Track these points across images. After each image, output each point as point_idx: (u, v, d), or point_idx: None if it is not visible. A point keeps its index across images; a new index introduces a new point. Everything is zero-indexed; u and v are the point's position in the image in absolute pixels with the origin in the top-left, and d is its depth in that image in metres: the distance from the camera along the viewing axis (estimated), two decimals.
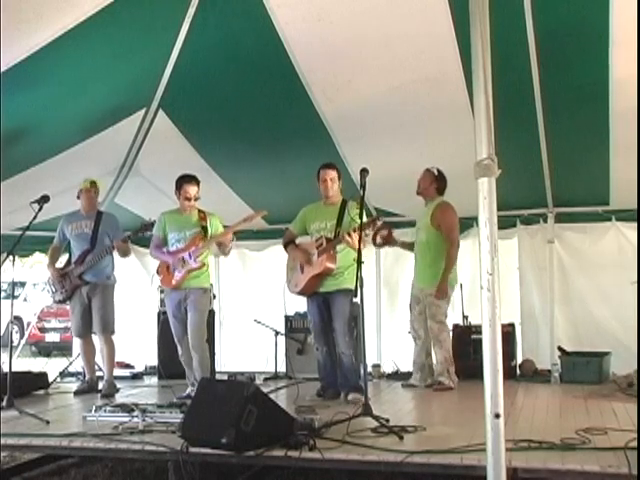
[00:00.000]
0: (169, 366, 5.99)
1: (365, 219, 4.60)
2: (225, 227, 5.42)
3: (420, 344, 5.83)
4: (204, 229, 5.29)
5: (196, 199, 5.30)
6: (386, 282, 7.27)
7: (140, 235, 5.75)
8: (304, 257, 5.15)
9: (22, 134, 5.09)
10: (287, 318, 6.77)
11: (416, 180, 5.82)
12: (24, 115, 4.89)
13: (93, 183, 5.77)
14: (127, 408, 4.18)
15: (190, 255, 5.17)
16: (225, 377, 6.02)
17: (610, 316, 6.43)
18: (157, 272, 5.44)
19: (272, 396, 4.46)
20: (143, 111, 5.54)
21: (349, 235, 4.72)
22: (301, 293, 5.29)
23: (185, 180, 5.29)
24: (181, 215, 5.37)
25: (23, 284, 14.02)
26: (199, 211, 5.37)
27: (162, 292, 6.70)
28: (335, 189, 5.15)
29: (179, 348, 5.38)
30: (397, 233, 7.18)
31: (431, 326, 5.67)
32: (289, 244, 5.38)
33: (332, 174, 5.13)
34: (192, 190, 5.27)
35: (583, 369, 5.92)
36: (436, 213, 5.67)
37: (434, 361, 5.83)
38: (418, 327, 5.82)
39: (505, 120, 4.01)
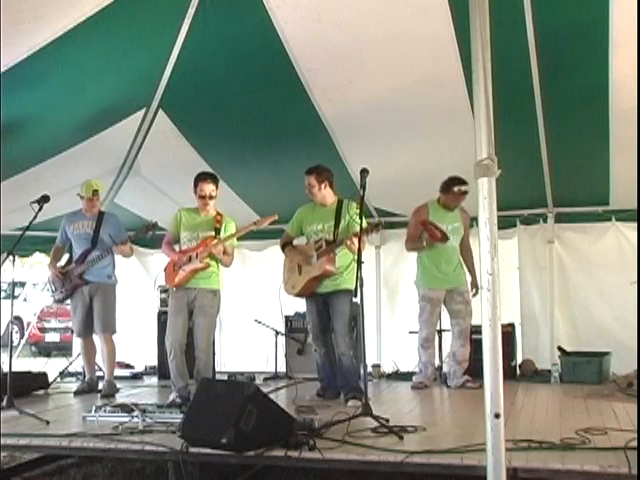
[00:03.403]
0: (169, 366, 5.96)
1: (365, 223, 4.60)
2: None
3: (434, 347, 5.93)
4: (217, 231, 5.11)
5: (211, 197, 5.10)
6: (386, 282, 7.27)
7: (142, 236, 5.74)
8: (302, 259, 5.13)
9: (22, 134, 5.08)
10: (287, 318, 6.75)
11: (416, 180, 5.84)
12: (24, 115, 4.90)
13: (95, 192, 5.72)
14: (127, 408, 4.17)
15: (197, 255, 5.01)
16: (225, 377, 6.02)
17: (610, 316, 6.44)
18: (164, 269, 5.29)
19: (272, 396, 4.46)
20: (143, 111, 5.54)
21: (351, 241, 4.66)
22: (298, 295, 5.24)
23: (200, 178, 5.11)
24: (198, 214, 5.19)
25: (23, 284, 14.03)
26: (217, 213, 5.20)
27: (162, 292, 6.72)
28: (320, 193, 5.08)
29: (170, 350, 5.02)
30: (397, 233, 7.23)
31: (470, 323, 5.70)
32: (286, 246, 5.36)
33: (309, 180, 5.06)
34: (207, 188, 5.08)
35: (583, 369, 5.92)
36: (462, 218, 5.80)
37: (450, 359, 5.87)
38: (435, 331, 5.91)
39: (505, 120, 4.00)
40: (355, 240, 4.60)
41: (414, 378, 5.88)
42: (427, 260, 5.80)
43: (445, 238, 5.63)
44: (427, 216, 5.74)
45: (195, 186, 5.13)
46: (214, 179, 5.16)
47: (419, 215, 5.79)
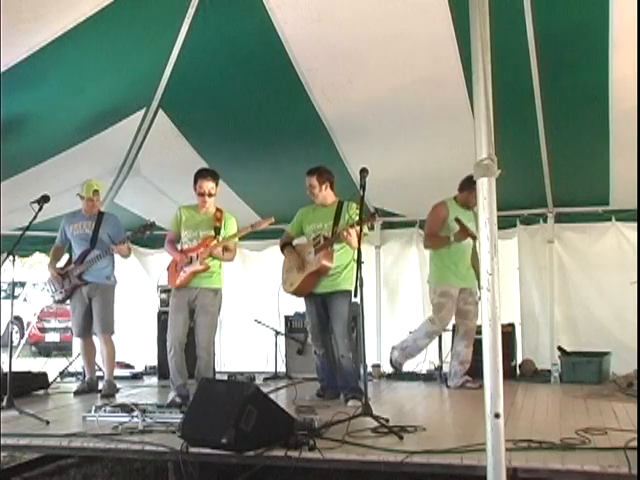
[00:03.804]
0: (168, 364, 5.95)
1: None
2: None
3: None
4: (217, 230, 5.09)
5: (210, 195, 5.05)
6: (386, 282, 7.27)
7: (139, 236, 5.74)
8: (301, 256, 5.14)
9: (22, 134, 5.08)
10: (287, 318, 6.76)
11: (416, 180, 5.83)
12: (24, 115, 4.90)
13: (96, 192, 5.72)
14: (127, 408, 4.17)
15: (197, 256, 5.00)
16: (225, 377, 6.02)
17: (610, 316, 6.44)
18: (167, 268, 5.27)
19: (272, 396, 4.46)
20: (143, 111, 5.54)
21: (347, 232, 4.69)
22: (296, 293, 5.22)
23: (200, 175, 5.08)
24: (197, 212, 5.15)
25: (23, 284, 14.01)
26: (217, 210, 5.16)
27: (162, 292, 6.72)
28: (321, 194, 5.09)
29: (170, 348, 5.01)
30: (397, 233, 7.25)
31: (475, 324, 5.66)
32: (286, 246, 5.36)
33: (310, 181, 5.07)
34: (206, 186, 5.03)
35: (583, 369, 5.92)
36: (475, 219, 5.71)
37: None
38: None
39: (505, 120, 4.01)
40: (351, 231, 4.60)
41: (396, 353, 5.93)
42: (446, 257, 5.72)
43: (474, 236, 5.59)
44: (447, 213, 5.68)
45: (195, 183, 5.10)
46: (214, 176, 5.12)
47: (439, 212, 5.72)
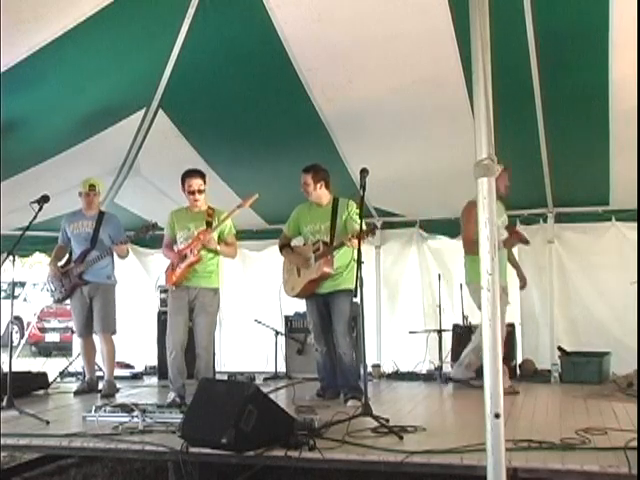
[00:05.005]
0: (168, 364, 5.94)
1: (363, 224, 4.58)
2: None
3: None
4: (209, 224, 5.11)
5: (200, 192, 5.10)
6: (386, 282, 7.27)
7: (142, 236, 5.74)
8: (301, 261, 5.14)
9: (22, 134, 5.08)
10: (287, 318, 6.76)
11: (416, 180, 5.80)
12: (24, 115, 4.90)
13: (92, 186, 5.73)
14: (127, 408, 4.17)
15: (191, 251, 5.02)
16: (225, 377, 6.02)
17: (610, 316, 6.44)
18: (165, 272, 5.28)
19: (272, 396, 4.46)
20: (143, 111, 5.54)
21: (350, 242, 4.64)
22: (297, 296, 5.26)
23: (188, 175, 5.13)
24: (189, 213, 5.20)
25: (23, 284, 14.02)
26: (208, 208, 5.20)
27: (162, 292, 6.72)
28: (315, 192, 5.09)
29: (171, 350, 5.02)
30: (397, 233, 7.24)
31: (504, 322, 5.57)
32: (284, 247, 5.37)
33: (305, 179, 5.08)
34: (195, 183, 5.09)
35: (583, 369, 5.92)
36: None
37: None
38: None
39: (505, 120, 4.00)
40: (354, 241, 4.60)
41: (460, 370, 5.63)
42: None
43: (526, 240, 5.57)
44: None
45: (183, 184, 5.13)
46: (201, 174, 5.18)
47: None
